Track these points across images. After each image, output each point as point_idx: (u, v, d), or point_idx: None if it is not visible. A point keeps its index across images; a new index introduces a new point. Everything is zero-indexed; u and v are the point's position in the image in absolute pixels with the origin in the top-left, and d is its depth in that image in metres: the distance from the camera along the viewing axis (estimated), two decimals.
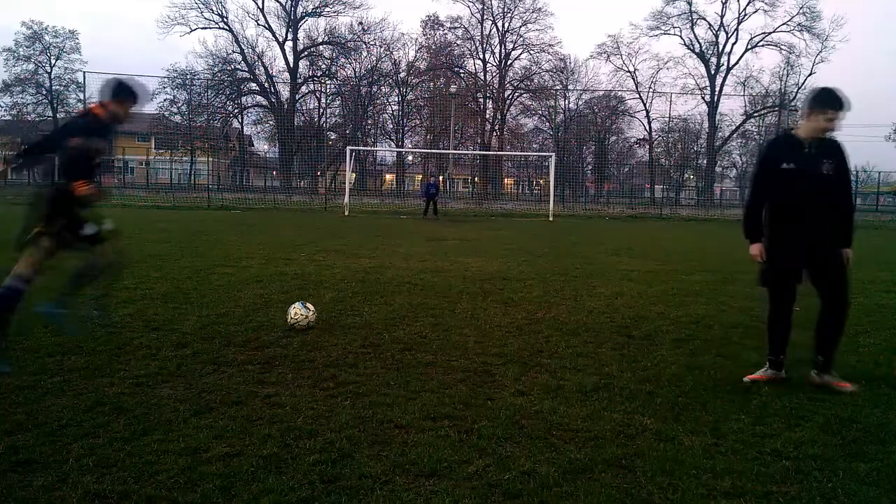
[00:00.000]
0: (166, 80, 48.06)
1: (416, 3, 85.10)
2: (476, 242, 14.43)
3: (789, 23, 49.54)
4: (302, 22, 51.03)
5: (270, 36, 51.44)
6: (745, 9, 50.75)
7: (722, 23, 51.55)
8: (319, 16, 51.16)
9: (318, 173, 48.38)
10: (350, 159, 32.55)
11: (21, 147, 5.09)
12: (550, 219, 26.20)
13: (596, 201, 46.23)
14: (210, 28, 50.15)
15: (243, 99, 51.91)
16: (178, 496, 2.59)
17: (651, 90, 51.51)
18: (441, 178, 39.52)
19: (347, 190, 29.89)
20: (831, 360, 4.18)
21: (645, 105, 52.09)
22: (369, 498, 2.63)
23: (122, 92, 4.67)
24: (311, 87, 52.40)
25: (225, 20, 49.55)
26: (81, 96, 44.22)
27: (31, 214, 4.45)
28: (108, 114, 4.64)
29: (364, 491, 2.68)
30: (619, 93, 53.50)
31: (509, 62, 52.86)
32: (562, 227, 21.65)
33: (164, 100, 49.87)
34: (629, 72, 52.61)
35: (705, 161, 53.11)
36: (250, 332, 5.22)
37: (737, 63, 51.93)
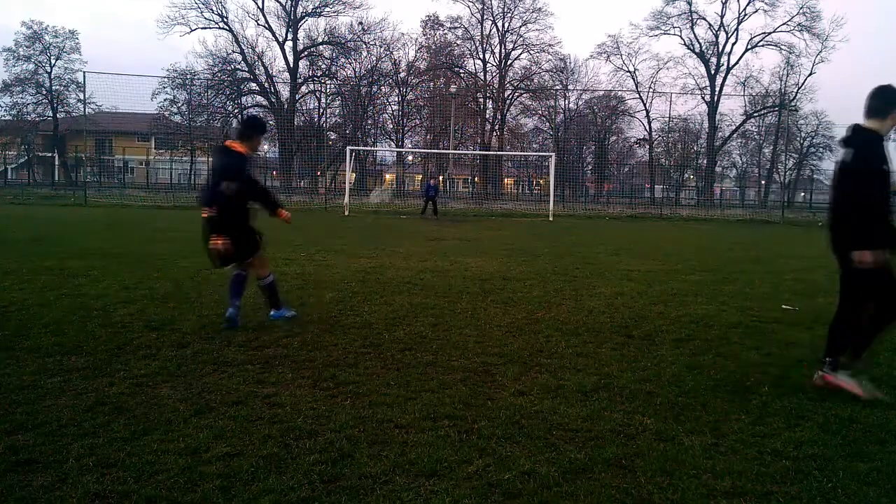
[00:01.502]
0: (166, 80, 48.05)
1: (416, 3, 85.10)
2: (476, 242, 14.43)
3: (789, 23, 49.52)
4: (302, 22, 51.00)
5: (270, 36, 51.38)
6: (745, 9, 50.74)
7: (722, 23, 51.55)
8: (319, 16, 51.11)
9: (318, 173, 48.33)
10: (350, 159, 32.53)
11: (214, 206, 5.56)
12: (550, 219, 26.19)
13: (596, 201, 46.17)
14: (210, 28, 50.04)
15: (243, 99, 51.83)
16: (178, 496, 2.59)
17: (651, 90, 51.48)
18: (440, 178, 39.55)
19: (347, 190, 29.86)
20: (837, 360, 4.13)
21: (645, 105, 52.08)
22: (369, 498, 2.63)
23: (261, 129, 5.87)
24: (311, 87, 52.35)
25: (225, 20, 49.49)
26: (81, 96, 44.10)
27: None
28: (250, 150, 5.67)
29: (364, 491, 2.68)
30: (619, 93, 53.49)
31: (509, 62, 52.87)
32: (562, 227, 21.65)
33: (164, 100, 49.94)
34: (629, 72, 52.61)
35: (705, 161, 53.08)
36: (250, 332, 5.22)
37: (737, 63, 51.92)
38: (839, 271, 4.18)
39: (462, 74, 53.85)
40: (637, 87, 52.32)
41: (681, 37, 52.27)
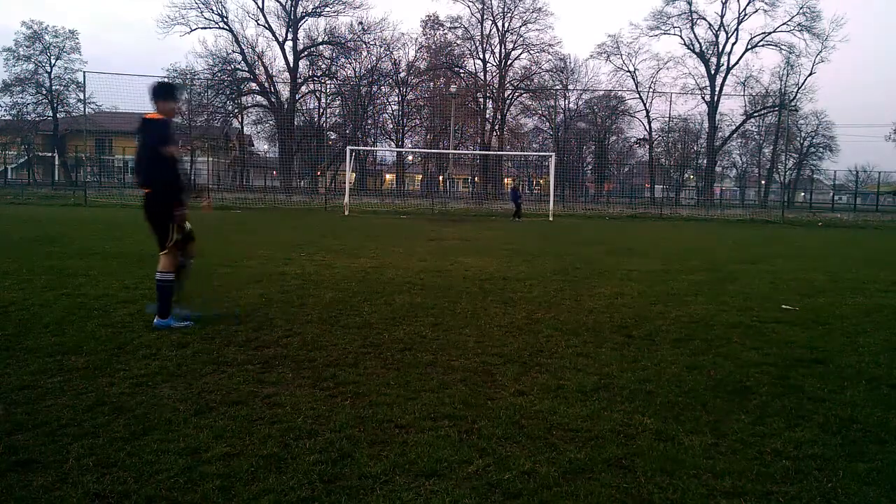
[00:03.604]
0: (166, 79, 48.01)
1: (416, 3, 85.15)
2: (476, 242, 14.42)
3: (789, 23, 49.63)
4: (302, 22, 51.04)
5: (270, 36, 51.56)
6: (745, 9, 50.84)
7: (722, 23, 51.63)
8: (319, 16, 51.17)
9: (318, 173, 48.34)
10: (350, 159, 32.54)
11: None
12: (550, 219, 26.20)
13: (596, 201, 46.20)
14: (210, 28, 50.16)
15: (243, 99, 51.87)
16: (178, 496, 2.59)
17: (651, 90, 51.61)
18: (445, 177, 39.52)
19: (347, 190, 29.87)
20: None
21: (645, 105, 52.18)
22: (369, 498, 2.63)
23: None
24: (311, 86, 52.40)
25: (225, 20, 49.53)
26: (81, 96, 44.13)
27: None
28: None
29: (364, 491, 2.68)
30: (619, 93, 53.61)
31: (509, 62, 52.89)
32: (562, 227, 21.65)
33: None
34: (629, 72, 52.72)
35: (705, 161, 53.11)
36: (250, 332, 5.22)
37: (737, 63, 52.02)
38: None
39: (462, 74, 53.87)
40: (637, 87, 52.47)
41: (681, 37, 52.41)
